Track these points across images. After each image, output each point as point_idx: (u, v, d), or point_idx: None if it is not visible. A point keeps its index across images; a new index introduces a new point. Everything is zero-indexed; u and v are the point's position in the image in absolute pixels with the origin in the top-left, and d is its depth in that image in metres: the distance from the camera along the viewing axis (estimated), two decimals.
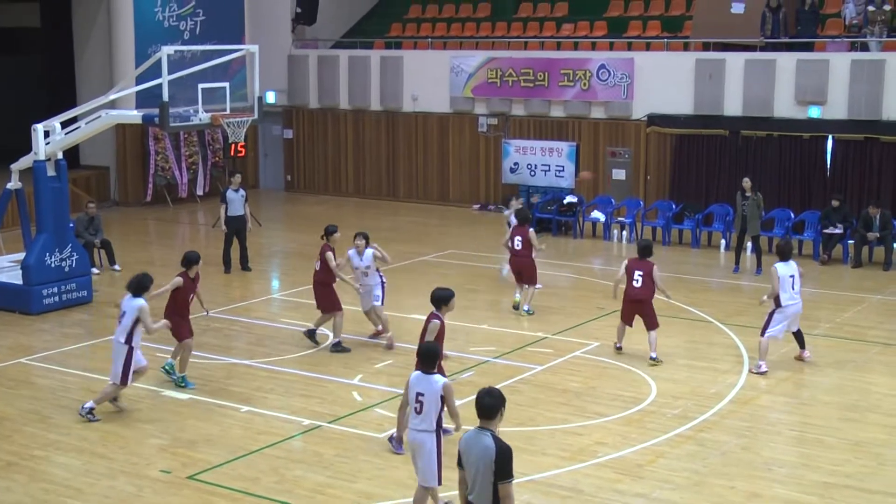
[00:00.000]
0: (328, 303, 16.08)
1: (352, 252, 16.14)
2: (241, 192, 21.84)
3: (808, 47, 26.00)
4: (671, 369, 15.40)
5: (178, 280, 14.28)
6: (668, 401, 14.00)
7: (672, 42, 27.82)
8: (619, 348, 16.00)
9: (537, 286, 18.54)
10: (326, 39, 33.25)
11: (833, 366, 15.53)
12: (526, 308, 18.25)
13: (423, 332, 12.50)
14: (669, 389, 14.45)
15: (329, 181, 32.55)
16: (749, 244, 22.34)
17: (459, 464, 8.28)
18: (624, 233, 25.40)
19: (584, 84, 27.84)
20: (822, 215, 22.92)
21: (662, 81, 26.96)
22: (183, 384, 14.48)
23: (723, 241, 24.28)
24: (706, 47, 27.12)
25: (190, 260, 14.47)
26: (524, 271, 18.34)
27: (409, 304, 18.47)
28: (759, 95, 25.64)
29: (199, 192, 31.14)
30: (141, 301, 13.19)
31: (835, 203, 22.70)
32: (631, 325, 15.83)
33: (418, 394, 10.20)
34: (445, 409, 10.23)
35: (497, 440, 8.05)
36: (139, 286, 13.28)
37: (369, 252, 16.04)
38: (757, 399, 14.10)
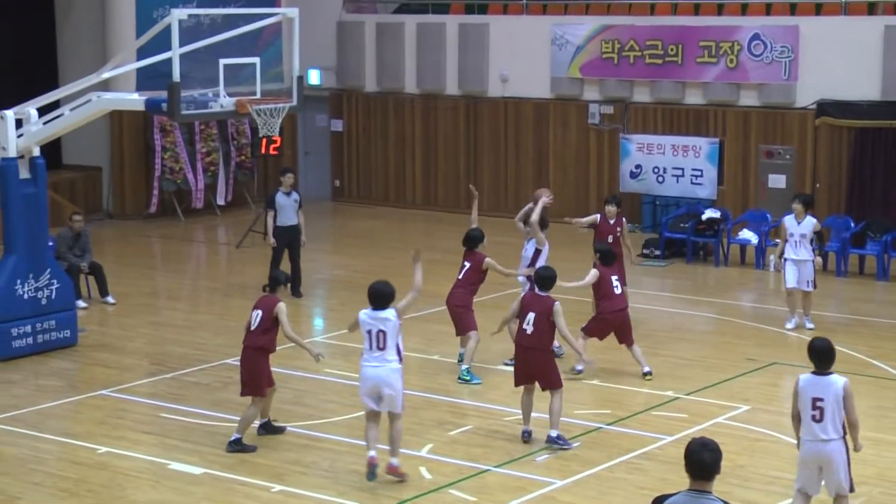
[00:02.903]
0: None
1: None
2: (294, 195, 22.29)
3: None
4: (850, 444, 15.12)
5: None
6: None
7: (851, 3, 27.53)
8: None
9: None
10: (388, 1, 33.40)
11: None
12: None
13: (547, 318, 14.58)
14: None
15: (390, 188, 32.66)
16: None
17: None
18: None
19: (731, 60, 27.67)
20: None
21: (838, 57, 26.71)
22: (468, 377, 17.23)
23: None
24: None
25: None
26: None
27: (497, 351, 18.40)
28: None
29: (220, 201, 31.40)
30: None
31: None
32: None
33: (815, 399, 11.48)
34: (843, 415, 11.49)
35: None
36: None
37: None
38: None
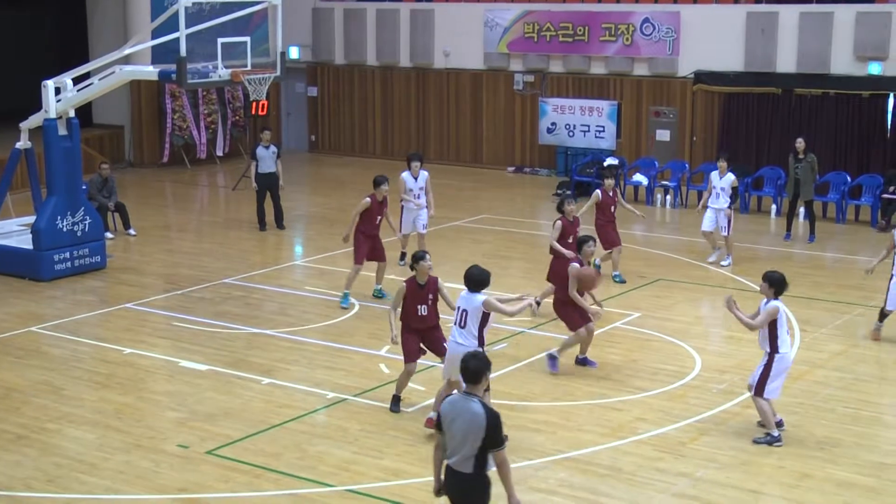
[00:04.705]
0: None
1: (405, 174, 18.20)
2: (273, 148, 22.23)
3: None
4: (717, 342, 15.34)
5: (366, 201, 16.46)
6: (714, 375, 13.94)
7: None
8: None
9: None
10: None
11: (892, 341, 15.40)
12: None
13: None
14: (715, 363, 14.39)
15: (355, 141, 32.54)
16: (802, 210, 22.20)
17: (439, 427, 8.41)
18: (668, 197, 25.29)
19: (627, 39, 27.65)
20: (885, 179, 22.78)
21: (711, 36, 26.73)
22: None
23: (773, 207, 24.14)
24: None
25: (377, 182, 16.52)
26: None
27: (440, 272, 18.44)
28: (814, 51, 25.38)
29: (219, 152, 31.20)
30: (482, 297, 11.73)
31: None
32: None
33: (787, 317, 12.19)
34: None
35: (486, 407, 8.20)
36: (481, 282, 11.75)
37: (425, 174, 18.28)
38: (809, 374, 14.02)
